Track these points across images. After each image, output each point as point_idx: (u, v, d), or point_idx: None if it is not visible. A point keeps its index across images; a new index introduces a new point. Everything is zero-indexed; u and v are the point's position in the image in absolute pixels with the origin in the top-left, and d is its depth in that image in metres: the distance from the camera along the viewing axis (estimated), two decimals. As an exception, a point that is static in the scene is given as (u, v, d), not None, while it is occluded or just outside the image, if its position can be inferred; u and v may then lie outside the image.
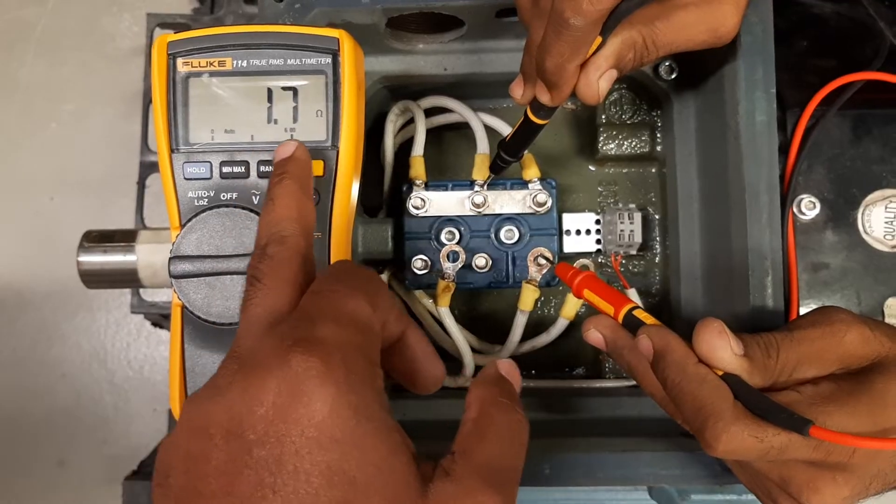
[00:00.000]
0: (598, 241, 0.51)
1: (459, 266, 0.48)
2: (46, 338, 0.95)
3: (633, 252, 0.52)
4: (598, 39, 0.36)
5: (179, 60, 0.39)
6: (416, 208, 0.49)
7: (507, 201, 0.50)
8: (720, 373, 0.33)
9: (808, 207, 0.48)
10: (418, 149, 0.50)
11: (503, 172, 0.48)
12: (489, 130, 0.50)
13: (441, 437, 0.46)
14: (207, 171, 0.39)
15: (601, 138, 0.53)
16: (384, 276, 0.51)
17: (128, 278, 0.53)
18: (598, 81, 0.37)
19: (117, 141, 0.93)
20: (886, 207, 0.48)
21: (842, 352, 0.34)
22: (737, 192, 0.43)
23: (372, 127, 0.52)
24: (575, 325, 0.51)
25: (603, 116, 0.53)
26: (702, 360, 0.34)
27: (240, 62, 0.39)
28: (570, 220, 0.51)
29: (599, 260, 0.53)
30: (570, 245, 0.51)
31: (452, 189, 0.50)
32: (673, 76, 0.49)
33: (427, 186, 0.50)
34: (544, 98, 0.39)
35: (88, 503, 0.94)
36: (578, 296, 0.41)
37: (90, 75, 0.97)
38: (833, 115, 0.48)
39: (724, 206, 0.44)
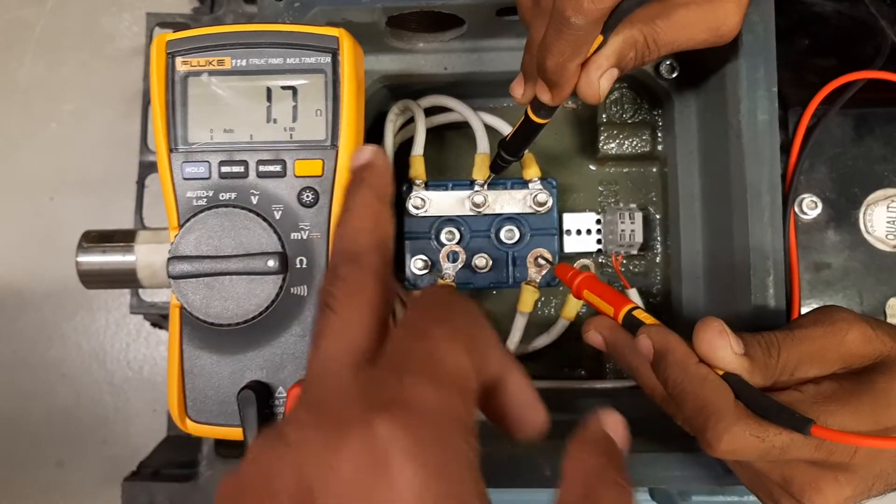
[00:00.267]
0: (599, 241, 0.51)
1: (459, 266, 0.48)
2: (46, 338, 0.95)
3: (634, 252, 0.51)
4: (599, 38, 0.36)
5: (178, 59, 0.39)
6: (416, 208, 0.49)
7: (508, 201, 0.49)
8: (721, 372, 0.33)
9: (810, 207, 0.48)
10: (418, 148, 0.50)
11: (503, 172, 0.48)
12: (489, 130, 0.50)
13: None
14: (206, 170, 0.39)
15: (602, 137, 0.53)
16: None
17: (127, 278, 0.53)
18: (599, 80, 0.37)
19: (117, 141, 0.93)
20: (888, 207, 0.48)
21: (843, 351, 0.34)
22: (738, 191, 0.42)
23: (372, 126, 0.52)
24: (575, 325, 0.51)
25: (604, 115, 0.53)
26: (702, 360, 0.33)
27: (239, 61, 0.39)
28: (570, 220, 0.51)
29: (600, 260, 0.53)
30: (571, 245, 0.51)
31: (452, 189, 0.50)
32: (674, 75, 0.48)
33: (427, 186, 0.50)
34: (545, 97, 0.39)
35: (88, 503, 0.94)
36: (578, 296, 0.41)
37: (90, 75, 0.96)
38: (835, 114, 0.48)
39: (725, 206, 0.44)
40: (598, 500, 0.23)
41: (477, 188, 0.49)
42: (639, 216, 0.50)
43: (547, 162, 0.53)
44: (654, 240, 0.53)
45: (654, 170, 0.53)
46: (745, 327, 0.42)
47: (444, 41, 0.49)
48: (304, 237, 0.39)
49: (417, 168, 0.50)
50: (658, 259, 0.53)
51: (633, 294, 0.48)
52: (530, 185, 0.49)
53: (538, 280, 0.48)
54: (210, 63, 0.39)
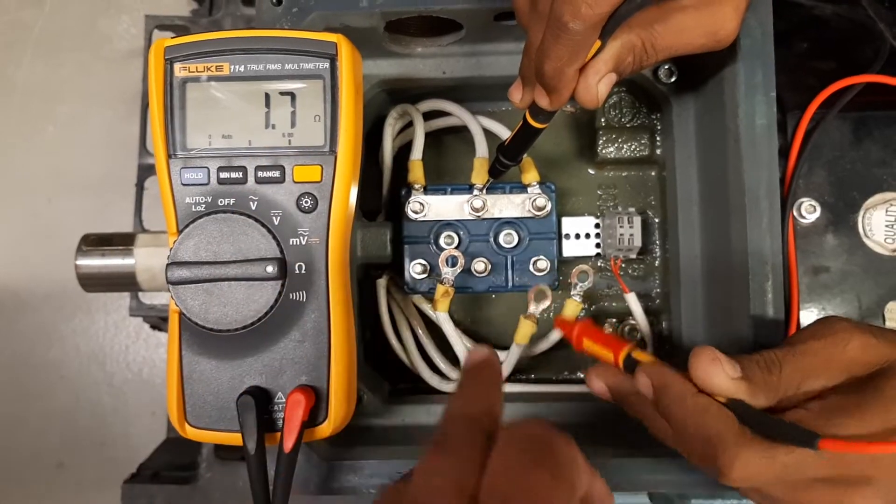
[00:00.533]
0: (598, 245, 0.51)
1: (458, 270, 0.48)
2: (45, 340, 0.95)
3: (633, 256, 0.51)
4: (597, 43, 0.36)
5: (177, 65, 0.39)
6: (415, 212, 0.49)
7: (507, 205, 0.49)
8: (722, 400, 0.32)
9: (809, 211, 0.48)
10: (417, 152, 0.50)
11: (502, 176, 0.48)
12: (488, 134, 0.50)
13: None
14: (205, 176, 0.39)
15: (600, 141, 0.53)
16: (383, 281, 0.51)
17: (126, 282, 0.53)
18: (598, 85, 0.37)
19: (115, 143, 0.93)
20: (887, 211, 0.48)
21: (847, 360, 0.33)
22: (737, 195, 0.42)
23: (370, 130, 0.52)
24: (574, 329, 0.51)
25: (602, 119, 0.53)
26: (701, 391, 0.33)
27: (237, 67, 0.39)
28: (569, 224, 0.51)
29: (599, 264, 0.53)
30: (570, 249, 0.51)
31: (451, 193, 0.50)
32: (672, 79, 0.48)
33: (426, 190, 0.50)
34: (543, 102, 0.39)
35: (87, 505, 0.94)
36: (579, 349, 0.41)
37: (88, 77, 0.96)
38: (833, 117, 0.48)
39: (723, 210, 0.44)
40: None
41: (476, 192, 0.49)
42: (637, 220, 0.50)
43: (546, 166, 0.53)
44: (653, 244, 0.53)
45: (653, 174, 0.53)
46: (744, 333, 0.42)
47: (443, 45, 0.49)
48: (303, 243, 0.39)
49: (416, 172, 0.50)
50: (657, 263, 0.53)
51: (632, 298, 0.48)
52: (529, 189, 0.49)
53: (537, 315, 0.48)
54: (208, 69, 0.39)
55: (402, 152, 0.52)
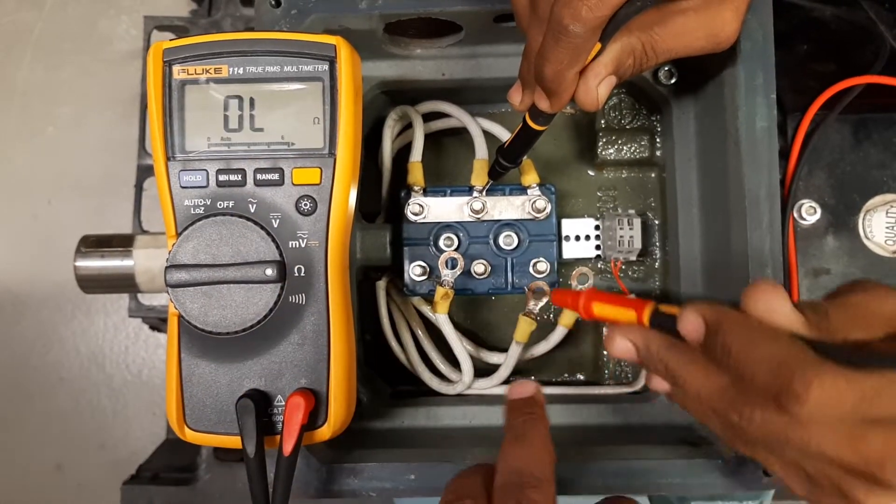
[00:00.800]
0: (598, 247, 0.51)
1: (458, 273, 0.48)
2: (44, 341, 0.95)
3: (633, 258, 0.51)
4: (598, 46, 0.36)
5: (175, 68, 0.39)
6: (415, 214, 0.49)
7: (506, 207, 0.49)
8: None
9: (809, 213, 0.48)
10: (416, 154, 0.50)
11: (502, 178, 0.48)
12: (488, 136, 0.50)
13: (441, 444, 0.46)
14: (204, 179, 0.39)
15: (600, 143, 0.53)
16: (382, 283, 0.50)
17: (125, 283, 0.53)
18: (598, 88, 0.37)
19: (115, 144, 0.93)
20: (887, 213, 0.48)
21: (887, 314, 0.31)
22: (737, 197, 0.42)
23: (370, 132, 0.52)
24: (573, 332, 0.51)
25: (602, 121, 0.53)
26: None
27: (236, 69, 0.39)
28: (569, 226, 0.51)
29: (599, 266, 0.53)
30: (570, 251, 0.51)
31: (451, 195, 0.50)
32: (672, 81, 0.48)
33: (425, 192, 0.50)
34: (543, 105, 0.39)
35: (87, 507, 0.94)
36: (588, 316, 0.37)
37: (88, 78, 0.96)
38: (833, 119, 0.48)
39: (724, 212, 0.44)
40: None
41: (475, 194, 0.49)
42: (637, 222, 0.50)
43: (545, 168, 0.53)
44: (653, 245, 0.53)
45: (653, 175, 0.53)
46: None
47: (442, 47, 0.49)
48: (302, 245, 0.39)
49: (416, 174, 0.49)
50: (657, 265, 0.53)
51: (632, 300, 0.48)
52: (529, 191, 0.49)
53: (536, 312, 0.48)
54: (207, 71, 0.39)
55: (402, 154, 0.52)
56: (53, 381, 0.94)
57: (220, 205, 0.39)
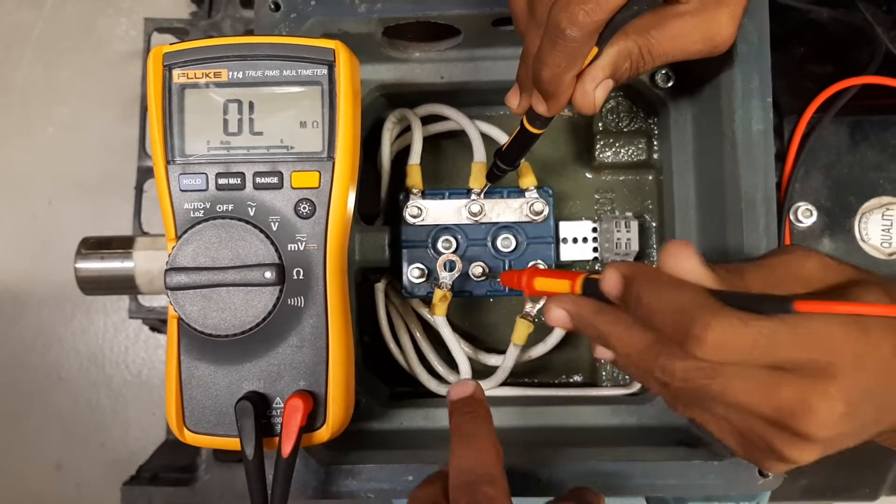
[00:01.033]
0: (595, 250, 0.51)
1: (456, 275, 0.48)
2: (44, 342, 0.95)
3: (631, 260, 0.51)
4: (594, 50, 0.36)
5: (175, 71, 0.39)
6: (413, 217, 0.49)
7: (504, 210, 0.50)
8: None
9: (805, 215, 0.48)
10: (415, 157, 0.50)
11: (500, 181, 0.48)
12: (486, 138, 0.50)
13: (439, 446, 0.46)
14: (203, 182, 0.39)
15: (598, 146, 0.53)
16: (381, 286, 0.51)
17: (125, 285, 0.53)
18: (595, 91, 0.37)
19: (115, 144, 0.93)
20: (883, 215, 0.48)
21: (806, 276, 0.33)
22: (733, 200, 0.43)
23: (369, 134, 0.52)
24: (570, 334, 0.51)
25: (600, 124, 0.53)
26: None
27: (235, 73, 0.39)
28: (566, 229, 0.51)
29: (597, 268, 0.53)
30: (567, 253, 0.51)
31: (449, 197, 0.50)
32: (669, 84, 0.49)
33: (424, 195, 0.50)
34: (540, 108, 0.39)
35: (87, 507, 0.94)
36: (532, 292, 0.39)
37: (87, 79, 0.97)
38: (829, 121, 0.48)
39: (720, 214, 0.44)
40: None
41: (473, 197, 0.49)
42: (635, 224, 0.50)
43: (543, 170, 0.53)
44: (650, 248, 0.53)
45: (650, 178, 0.53)
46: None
47: (441, 50, 0.49)
48: (301, 248, 0.39)
49: (414, 177, 0.50)
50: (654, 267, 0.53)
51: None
52: (527, 193, 0.49)
53: (533, 314, 0.48)
54: (206, 75, 0.39)
55: (401, 157, 0.52)
56: (53, 381, 0.95)
57: (219, 208, 0.39)
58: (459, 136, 0.52)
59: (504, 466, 0.35)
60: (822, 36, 0.54)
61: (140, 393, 0.95)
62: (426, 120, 0.51)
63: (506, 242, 0.49)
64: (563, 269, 0.53)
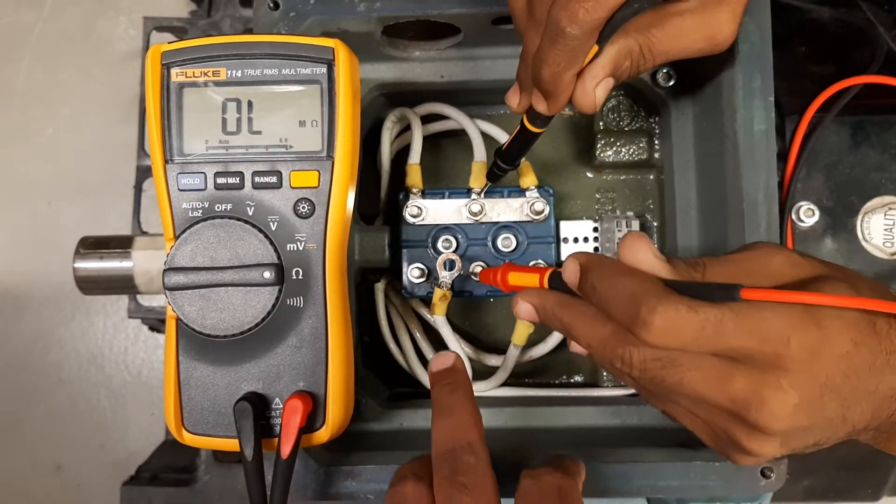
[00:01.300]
0: (596, 249, 0.51)
1: (456, 275, 0.48)
2: (43, 342, 0.95)
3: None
4: (595, 48, 0.36)
5: (173, 70, 0.39)
6: (413, 216, 0.49)
7: (505, 209, 0.49)
8: None
9: (807, 215, 0.48)
10: (415, 156, 0.50)
11: (500, 180, 0.48)
12: (486, 138, 0.50)
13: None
14: (202, 181, 0.39)
15: (599, 145, 0.53)
16: (381, 285, 0.51)
17: (124, 285, 0.53)
18: (595, 90, 0.37)
19: (114, 145, 0.93)
20: (885, 215, 0.48)
21: (771, 272, 0.32)
22: (735, 200, 0.42)
23: (368, 134, 0.52)
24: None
25: (601, 123, 0.53)
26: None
27: (234, 72, 0.39)
28: (567, 228, 0.51)
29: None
30: (568, 253, 0.51)
31: (449, 197, 0.50)
32: (671, 83, 0.48)
33: (424, 194, 0.50)
34: (541, 107, 0.39)
35: (86, 508, 0.94)
36: (507, 288, 0.40)
37: (87, 79, 0.96)
38: (831, 120, 0.48)
39: (722, 214, 0.44)
40: None
41: (474, 196, 0.49)
42: (636, 224, 0.50)
43: (544, 170, 0.53)
44: (651, 247, 0.53)
45: (651, 177, 0.53)
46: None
47: (441, 49, 0.49)
48: (300, 248, 0.39)
49: (414, 176, 0.50)
50: (655, 266, 0.53)
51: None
52: (527, 193, 0.49)
53: None
54: (205, 74, 0.39)
55: (400, 156, 0.52)
56: (53, 381, 0.94)
57: (218, 207, 0.39)
58: (459, 135, 0.51)
59: (485, 435, 0.35)
60: (824, 35, 0.54)
61: (140, 393, 0.94)
62: (426, 119, 0.51)
63: (506, 242, 0.49)
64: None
